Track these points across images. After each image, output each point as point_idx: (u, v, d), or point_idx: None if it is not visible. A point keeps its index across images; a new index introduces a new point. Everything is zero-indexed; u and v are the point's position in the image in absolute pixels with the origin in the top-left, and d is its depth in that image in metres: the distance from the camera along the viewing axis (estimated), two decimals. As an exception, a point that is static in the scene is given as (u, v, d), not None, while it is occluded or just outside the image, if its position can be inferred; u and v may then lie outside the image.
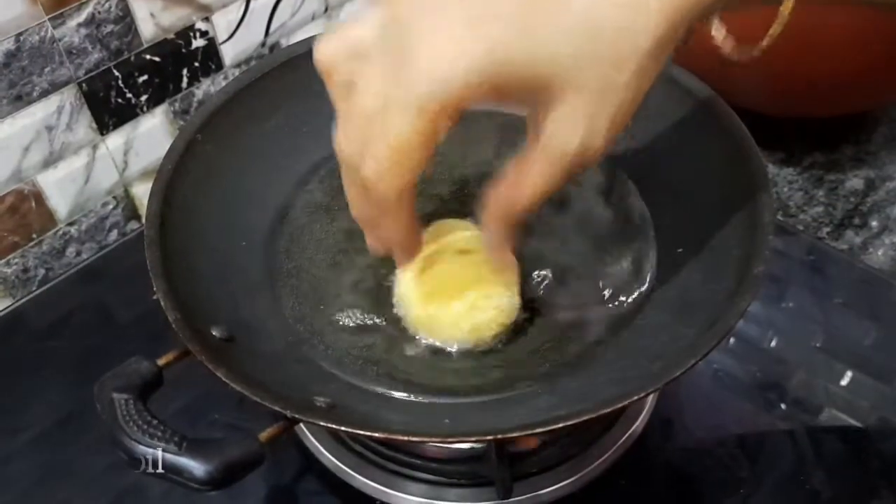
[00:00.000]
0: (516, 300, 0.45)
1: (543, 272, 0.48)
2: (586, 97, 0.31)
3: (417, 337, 0.45)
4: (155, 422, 0.33)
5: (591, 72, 0.30)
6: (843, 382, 0.54)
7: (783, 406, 0.53)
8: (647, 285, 0.46)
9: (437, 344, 0.45)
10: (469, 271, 0.44)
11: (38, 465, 0.52)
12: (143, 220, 0.68)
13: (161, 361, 0.37)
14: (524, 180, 0.34)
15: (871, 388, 0.54)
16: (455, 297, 0.44)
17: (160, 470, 0.32)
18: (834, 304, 0.59)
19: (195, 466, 0.32)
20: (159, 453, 0.32)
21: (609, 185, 0.53)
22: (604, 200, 0.52)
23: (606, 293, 0.46)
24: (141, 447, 0.32)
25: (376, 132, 0.31)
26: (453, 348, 0.45)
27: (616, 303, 0.46)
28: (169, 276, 0.41)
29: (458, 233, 0.46)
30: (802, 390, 0.54)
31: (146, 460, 0.32)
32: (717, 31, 0.44)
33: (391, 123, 0.31)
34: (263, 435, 0.35)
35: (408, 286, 0.45)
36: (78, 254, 0.66)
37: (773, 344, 0.57)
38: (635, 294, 0.46)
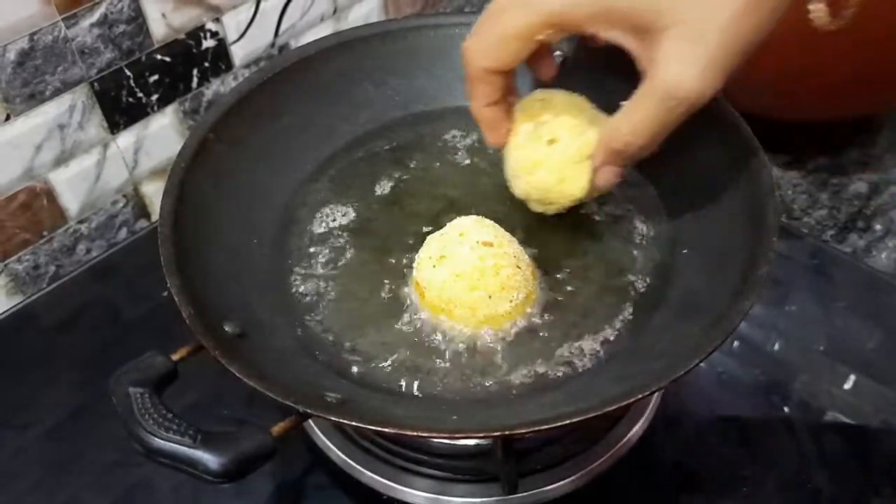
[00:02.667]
0: (533, 298, 0.46)
1: (559, 274, 0.48)
2: (685, 37, 0.35)
3: (426, 333, 0.46)
4: (170, 415, 0.34)
5: (689, 13, 0.34)
6: (847, 386, 0.55)
7: (786, 409, 0.53)
8: (654, 288, 0.47)
9: (446, 340, 0.45)
10: (489, 263, 0.45)
11: (47, 460, 0.53)
12: (153, 219, 0.69)
13: (175, 356, 0.38)
14: (630, 115, 0.39)
15: (875, 392, 0.54)
16: (475, 285, 0.45)
17: (175, 462, 0.33)
18: (837, 307, 0.59)
19: (210, 459, 0.33)
20: (175, 446, 0.33)
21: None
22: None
23: (617, 294, 0.47)
24: (157, 440, 0.33)
25: (492, 22, 0.41)
26: (462, 343, 0.45)
27: (625, 304, 0.47)
28: (182, 273, 0.42)
29: (482, 226, 0.47)
30: (806, 393, 0.54)
31: (162, 453, 0.33)
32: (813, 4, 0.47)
33: (506, 17, 0.40)
34: (275, 429, 0.35)
35: (430, 269, 0.46)
36: (88, 251, 0.67)
37: (776, 347, 0.57)
38: (642, 296, 0.47)
